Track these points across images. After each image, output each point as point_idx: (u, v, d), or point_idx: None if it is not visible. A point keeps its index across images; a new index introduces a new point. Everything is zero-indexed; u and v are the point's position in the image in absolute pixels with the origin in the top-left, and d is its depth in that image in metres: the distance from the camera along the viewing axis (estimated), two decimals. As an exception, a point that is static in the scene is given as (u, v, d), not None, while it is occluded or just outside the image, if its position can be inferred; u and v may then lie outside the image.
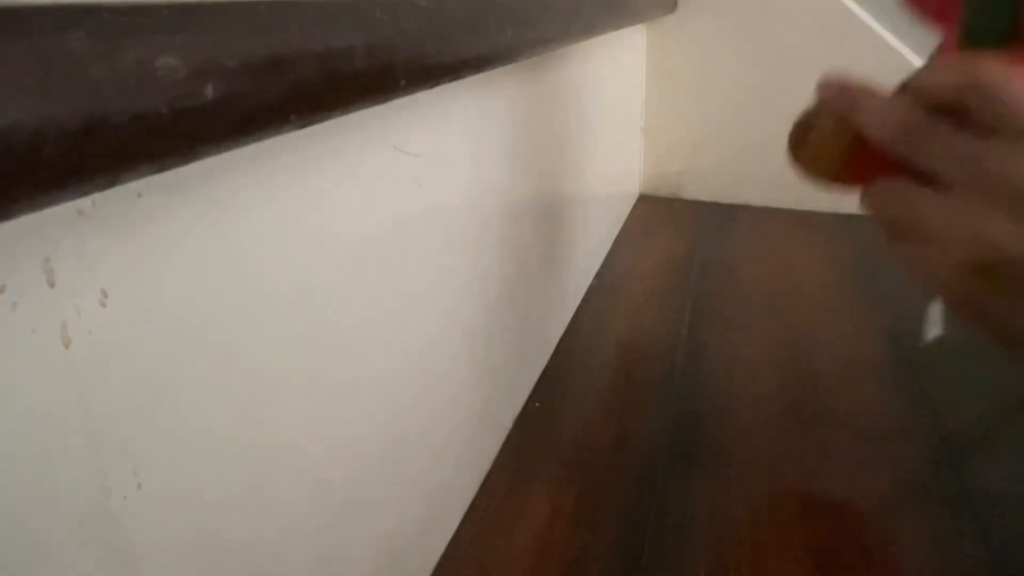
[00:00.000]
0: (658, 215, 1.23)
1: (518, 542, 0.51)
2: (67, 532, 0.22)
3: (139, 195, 0.23)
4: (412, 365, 0.43)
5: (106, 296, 0.22)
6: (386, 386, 0.40)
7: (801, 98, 0.70)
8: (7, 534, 0.20)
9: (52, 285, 0.20)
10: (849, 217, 1.16)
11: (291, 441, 0.32)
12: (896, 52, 1.09)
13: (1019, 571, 0.48)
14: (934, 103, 0.30)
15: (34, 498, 0.21)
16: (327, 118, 0.26)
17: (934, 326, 0.59)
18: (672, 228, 1.17)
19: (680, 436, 0.63)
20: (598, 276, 0.96)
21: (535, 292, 0.68)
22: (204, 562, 0.28)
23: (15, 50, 0.15)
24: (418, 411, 0.45)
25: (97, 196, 0.21)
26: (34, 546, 0.21)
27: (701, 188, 1.29)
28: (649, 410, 0.66)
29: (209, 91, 0.20)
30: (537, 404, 0.67)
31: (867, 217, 0.33)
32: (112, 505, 0.23)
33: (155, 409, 0.24)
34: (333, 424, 0.35)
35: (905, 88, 0.33)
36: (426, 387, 0.46)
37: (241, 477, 0.29)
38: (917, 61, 1.10)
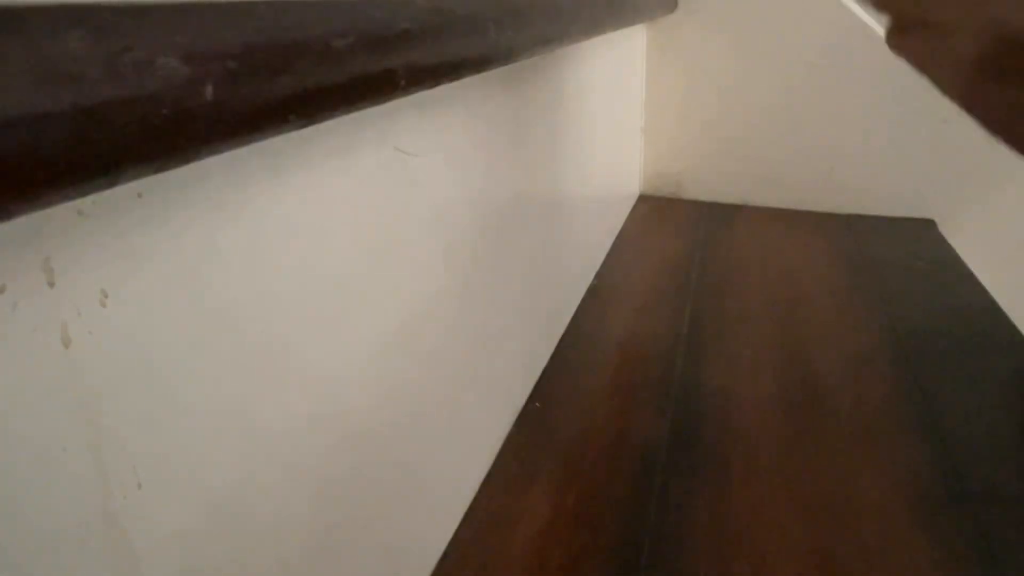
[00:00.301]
0: (658, 215, 1.23)
1: (518, 542, 0.51)
2: (67, 532, 0.22)
3: (139, 195, 0.23)
4: (412, 364, 0.43)
5: (106, 296, 0.22)
6: (386, 385, 0.40)
7: (801, 98, 0.70)
8: (8, 534, 0.20)
9: (52, 285, 0.20)
10: (849, 217, 1.16)
11: (291, 441, 0.32)
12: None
13: (1018, 570, 0.48)
14: None
15: (34, 498, 0.21)
16: (327, 118, 0.26)
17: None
18: (672, 228, 1.17)
19: (680, 436, 0.63)
20: (598, 276, 0.96)
21: (535, 292, 0.68)
22: (204, 561, 0.28)
23: (15, 50, 0.15)
24: (419, 411, 0.45)
25: (97, 196, 0.21)
26: (34, 546, 0.21)
27: (701, 188, 1.29)
28: (649, 410, 0.66)
29: (209, 91, 0.20)
30: (537, 404, 0.67)
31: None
32: (112, 505, 0.23)
33: (155, 409, 0.24)
34: (333, 424, 0.35)
35: None
36: (426, 387, 0.46)
37: (241, 477, 0.29)
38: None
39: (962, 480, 0.56)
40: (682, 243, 1.09)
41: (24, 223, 0.18)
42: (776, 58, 1.17)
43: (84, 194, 0.18)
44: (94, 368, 0.22)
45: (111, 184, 0.18)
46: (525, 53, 0.46)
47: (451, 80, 0.36)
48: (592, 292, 0.91)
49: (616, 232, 1.12)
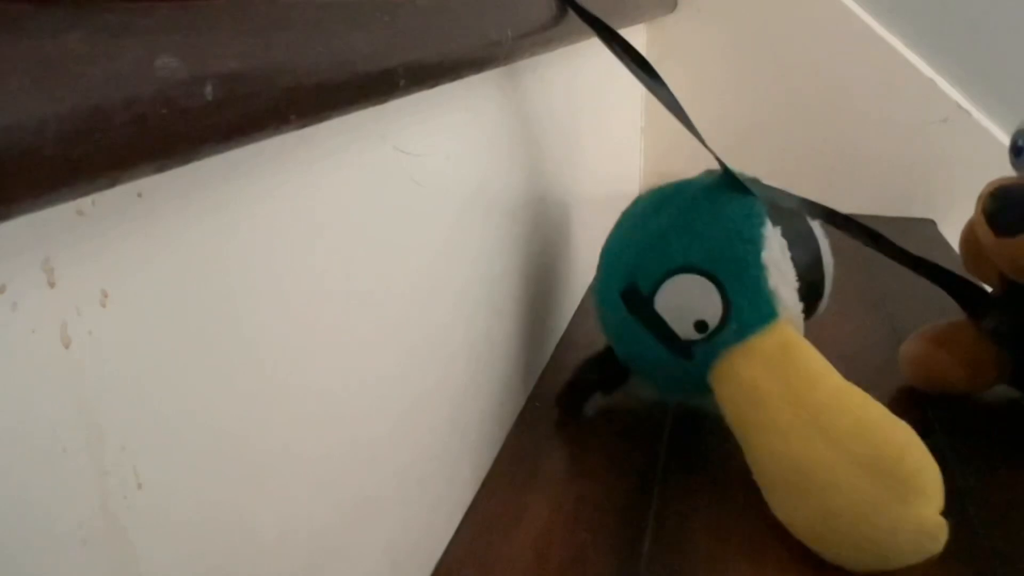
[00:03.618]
0: (658, 215, 1.23)
1: (518, 542, 0.51)
2: (67, 532, 0.22)
3: (139, 195, 0.23)
4: (412, 365, 0.43)
5: (106, 296, 0.22)
6: (387, 386, 0.41)
7: (801, 98, 0.70)
8: (7, 534, 0.20)
9: (52, 285, 0.20)
10: (848, 217, 1.16)
11: (292, 441, 0.32)
12: (898, 54, 1.09)
13: (1017, 571, 0.48)
14: None
15: (34, 498, 0.21)
16: (327, 118, 0.26)
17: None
18: (672, 228, 1.16)
19: (680, 435, 0.63)
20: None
21: (535, 292, 0.68)
22: (204, 562, 0.28)
23: (15, 50, 0.15)
24: (418, 411, 0.45)
25: (97, 196, 0.21)
26: (34, 547, 0.21)
27: (701, 188, 1.29)
28: (649, 409, 0.66)
29: (209, 91, 0.20)
30: (537, 404, 0.67)
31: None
32: (112, 505, 0.23)
33: (156, 409, 0.24)
34: (334, 424, 0.36)
35: None
36: (426, 387, 0.46)
37: (242, 477, 0.29)
38: (920, 64, 1.10)
39: (963, 480, 0.56)
40: (682, 243, 1.09)
41: (24, 223, 0.18)
42: (776, 58, 1.17)
43: (84, 194, 0.18)
44: (94, 368, 0.22)
45: (111, 184, 0.18)
46: (525, 53, 0.46)
47: (451, 80, 0.36)
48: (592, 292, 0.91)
49: (616, 232, 1.12)
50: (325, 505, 0.36)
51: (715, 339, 0.53)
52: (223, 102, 0.20)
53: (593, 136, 0.89)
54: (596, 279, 0.61)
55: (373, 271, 0.38)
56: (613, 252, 0.60)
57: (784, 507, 0.50)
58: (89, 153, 0.17)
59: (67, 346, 0.21)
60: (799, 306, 0.56)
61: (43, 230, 0.20)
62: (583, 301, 0.89)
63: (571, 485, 0.57)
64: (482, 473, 0.58)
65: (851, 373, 0.69)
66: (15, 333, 0.20)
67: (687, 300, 0.53)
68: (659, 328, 0.54)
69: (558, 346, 0.78)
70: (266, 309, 0.30)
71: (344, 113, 0.27)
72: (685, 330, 0.53)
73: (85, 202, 0.21)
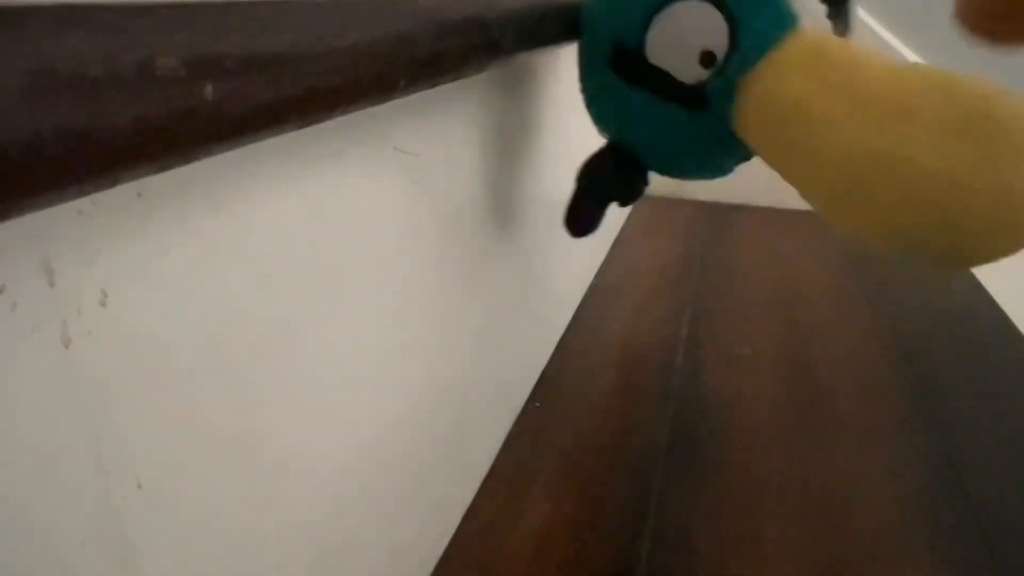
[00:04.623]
0: (658, 215, 1.23)
1: (518, 542, 0.51)
2: (67, 532, 0.22)
3: (139, 195, 0.23)
4: (413, 364, 0.43)
5: (106, 296, 0.22)
6: (387, 385, 0.41)
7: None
8: (8, 534, 0.20)
9: (52, 285, 0.20)
10: None
11: (292, 441, 0.32)
12: (898, 54, 1.09)
13: (1017, 568, 0.48)
14: None
15: (34, 498, 0.21)
16: (327, 118, 0.26)
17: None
18: (672, 228, 1.17)
19: (680, 435, 0.63)
20: (598, 276, 0.96)
21: (535, 292, 0.68)
22: (204, 562, 0.28)
23: (15, 50, 0.15)
24: (418, 411, 0.45)
25: (97, 196, 0.21)
26: (35, 546, 0.21)
27: (701, 188, 1.29)
28: (649, 410, 0.66)
29: (209, 91, 0.20)
30: (537, 404, 0.67)
31: None
32: (112, 505, 0.23)
33: (155, 409, 0.24)
34: (333, 424, 0.36)
35: None
36: (426, 387, 0.46)
37: (242, 477, 0.29)
38: (919, 62, 1.10)
39: (963, 479, 0.56)
40: (682, 243, 1.09)
41: (24, 223, 0.18)
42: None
43: (84, 194, 0.18)
44: (94, 368, 0.22)
45: (111, 184, 0.18)
46: (525, 53, 0.46)
47: (451, 80, 0.36)
48: (592, 292, 0.91)
49: (616, 232, 1.12)
50: (326, 505, 0.36)
51: (728, 69, 0.43)
52: (223, 102, 0.20)
53: (593, 136, 0.89)
54: (579, 66, 0.52)
55: (373, 271, 0.38)
56: (589, 25, 0.50)
57: (852, 212, 0.41)
58: (89, 153, 0.17)
59: (67, 346, 0.21)
60: (822, 8, 0.47)
61: (43, 230, 0.20)
62: (582, 301, 0.89)
63: (571, 485, 0.57)
64: (482, 473, 0.58)
65: (852, 373, 0.69)
66: (15, 333, 0.20)
67: (683, 34, 0.44)
68: (661, 82, 0.46)
69: (557, 347, 0.78)
70: (265, 308, 0.30)
71: (344, 113, 0.27)
72: (691, 71, 0.45)
73: (85, 202, 0.21)
